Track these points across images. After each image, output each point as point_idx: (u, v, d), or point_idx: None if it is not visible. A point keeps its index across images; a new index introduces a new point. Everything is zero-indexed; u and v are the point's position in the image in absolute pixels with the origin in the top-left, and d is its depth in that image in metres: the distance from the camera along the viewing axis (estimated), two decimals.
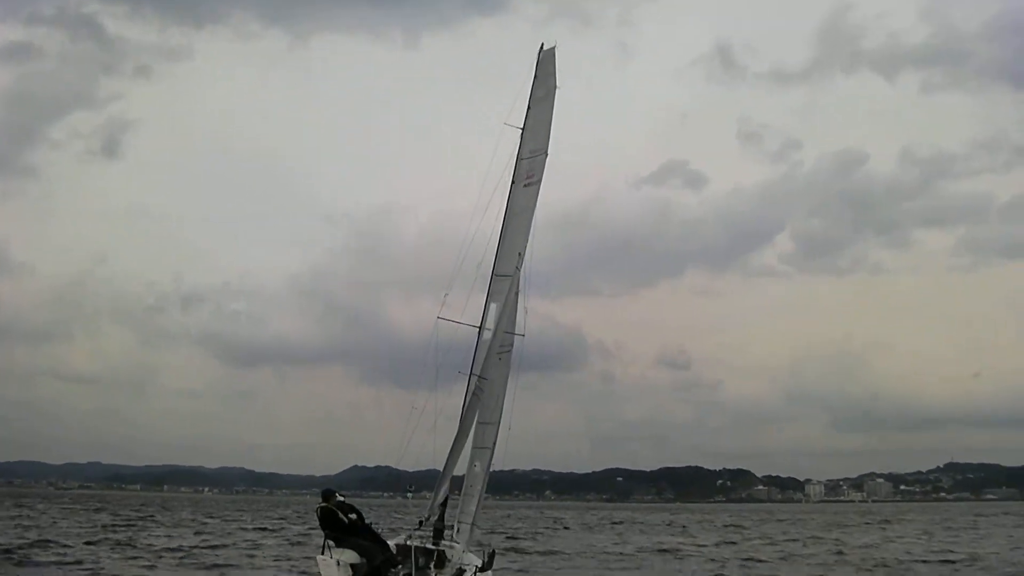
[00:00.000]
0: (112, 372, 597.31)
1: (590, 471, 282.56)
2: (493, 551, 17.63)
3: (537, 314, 17.44)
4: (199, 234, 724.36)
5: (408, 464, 17.88)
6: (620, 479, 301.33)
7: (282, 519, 61.39)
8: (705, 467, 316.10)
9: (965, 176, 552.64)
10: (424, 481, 18.45)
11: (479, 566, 15.77)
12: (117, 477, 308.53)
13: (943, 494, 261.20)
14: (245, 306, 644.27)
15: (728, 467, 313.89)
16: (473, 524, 18.02)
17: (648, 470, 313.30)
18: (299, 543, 33.98)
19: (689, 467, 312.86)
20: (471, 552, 17.35)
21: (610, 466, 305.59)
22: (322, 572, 14.70)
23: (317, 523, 16.02)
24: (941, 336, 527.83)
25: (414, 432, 16.80)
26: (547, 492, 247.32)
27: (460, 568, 16.23)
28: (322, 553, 15.16)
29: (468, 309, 17.24)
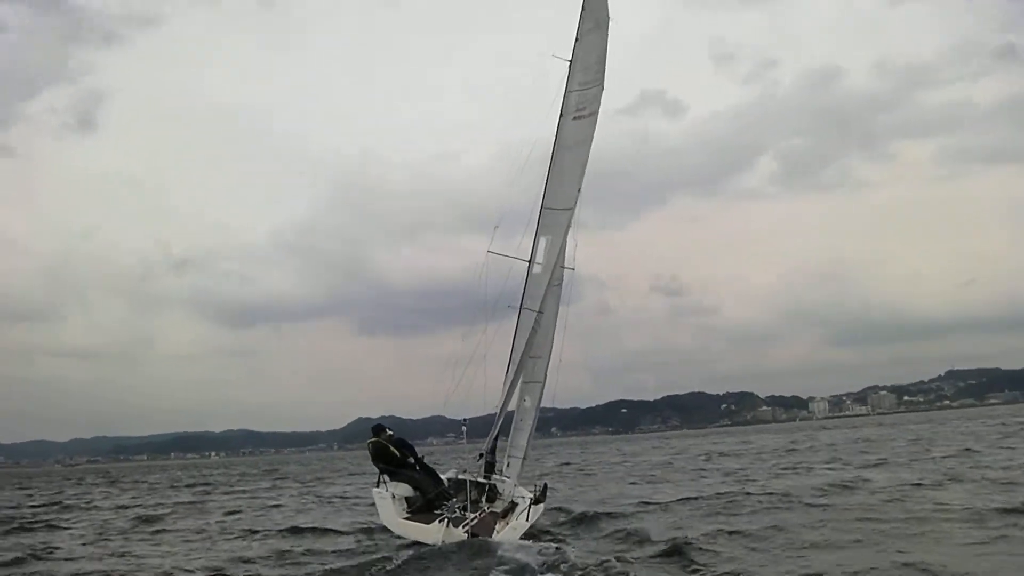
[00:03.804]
0: (109, 344, 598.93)
1: (594, 404, 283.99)
2: (545, 484, 17.69)
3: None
4: (183, 198, 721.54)
5: (453, 411, 17.90)
6: (624, 411, 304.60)
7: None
8: (708, 392, 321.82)
9: (941, 85, 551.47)
10: (477, 428, 18.27)
11: (533, 499, 15.88)
12: (123, 449, 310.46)
13: (947, 402, 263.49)
14: (235, 266, 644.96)
15: (731, 391, 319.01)
16: (524, 458, 18.26)
17: (651, 399, 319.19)
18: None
19: (692, 393, 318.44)
20: (522, 486, 17.57)
21: (613, 398, 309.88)
22: (377, 505, 14.85)
23: (370, 459, 16.13)
24: (930, 246, 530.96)
25: (462, 375, 16.73)
26: (552, 429, 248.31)
27: (512, 501, 16.43)
28: (377, 486, 15.29)
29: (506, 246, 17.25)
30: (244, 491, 37.95)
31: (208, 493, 37.59)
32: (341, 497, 29.50)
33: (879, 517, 14.50)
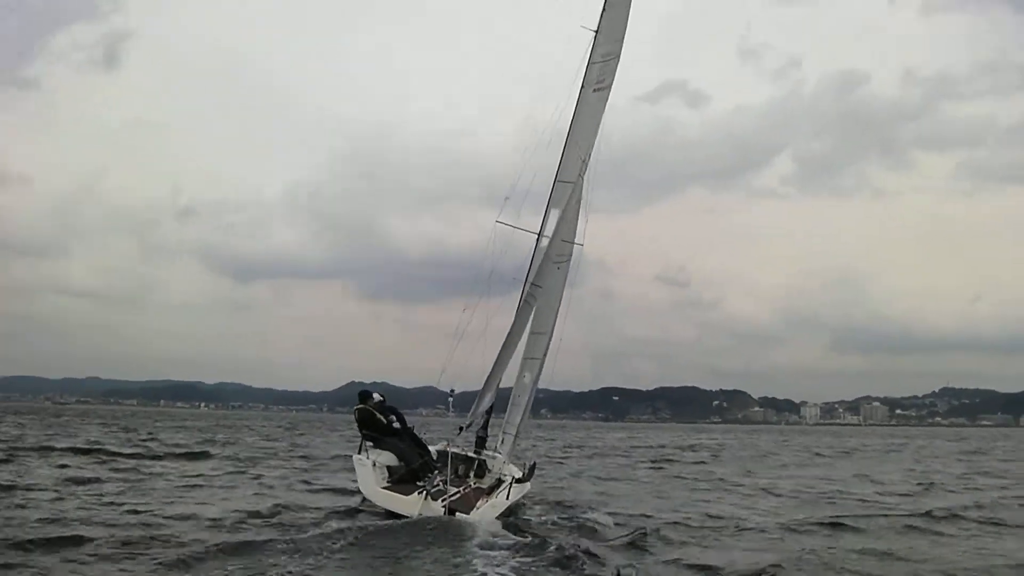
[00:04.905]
0: (110, 287, 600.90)
1: (587, 389, 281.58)
2: (534, 463, 17.49)
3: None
4: (199, 147, 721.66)
5: (448, 383, 17.45)
6: (616, 398, 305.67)
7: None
8: (702, 387, 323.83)
9: (967, 98, 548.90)
10: (469, 402, 17.96)
11: (518, 478, 15.56)
12: (115, 392, 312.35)
13: (938, 419, 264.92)
14: (243, 219, 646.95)
15: (724, 387, 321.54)
16: (517, 435, 17.89)
17: (645, 389, 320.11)
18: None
19: (686, 387, 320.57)
20: (512, 464, 17.29)
21: (607, 384, 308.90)
22: (357, 472, 14.53)
23: (355, 425, 15.77)
24: (941, 260, 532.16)
25: (458, 346, 16.45)
26: (543, 411, 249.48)
27: (499, 479, 16.13)
28: (359, 453, 15.01)
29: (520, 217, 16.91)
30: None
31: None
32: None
33: None
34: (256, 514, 13.83)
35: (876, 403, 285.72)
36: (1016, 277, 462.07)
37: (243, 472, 22.48)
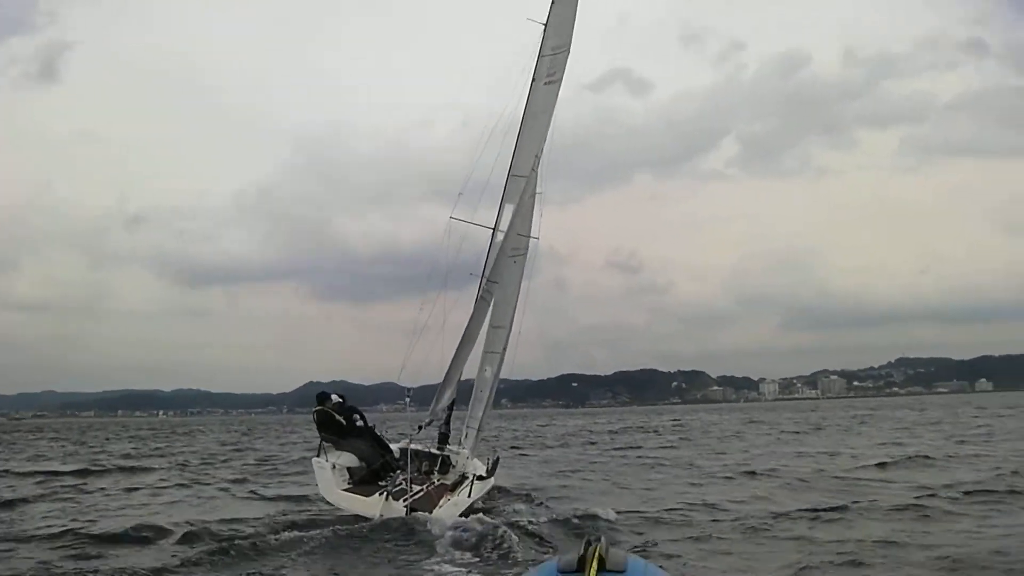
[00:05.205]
0: (62, 298, 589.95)
1: (545, 377, 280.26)
2: (497, 458, 17.39)
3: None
4: (146, 155, 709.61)
5: (407, 379, 17.35)
6: (575, 384, 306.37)
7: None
8: (660, 369, 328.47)
9: (908, 75, 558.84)
10: (428, 396, 17.84)
11: (480, 474, 15.49)
12: (72, 404, 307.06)
13: (895, 389, 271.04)
14: (194, 225, 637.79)
15: (683, 369, 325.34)
16: (479, 430, 17.87)
17: (603, 374, 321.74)
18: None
19: (644, 370, 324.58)
20: (476, 459, 17.24)
21: (566, 372, 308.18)
22: (316, 475, 14.27)
23: (315, 428, 15.54)
24: (887, 235, 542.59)
25: (417, 342, 16.35)
26: (503, 401, 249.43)
27: (463, 475, 16.07)
28: (318, 455, 14.71)
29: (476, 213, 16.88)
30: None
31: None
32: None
33: None
34: (204, 527, 13.06)
35: (833, 376, 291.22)
36: (962, 248, 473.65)
37: (187, 486, 21.17)
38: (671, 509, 14.63)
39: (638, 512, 14.13)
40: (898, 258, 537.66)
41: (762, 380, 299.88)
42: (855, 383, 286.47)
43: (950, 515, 12.97)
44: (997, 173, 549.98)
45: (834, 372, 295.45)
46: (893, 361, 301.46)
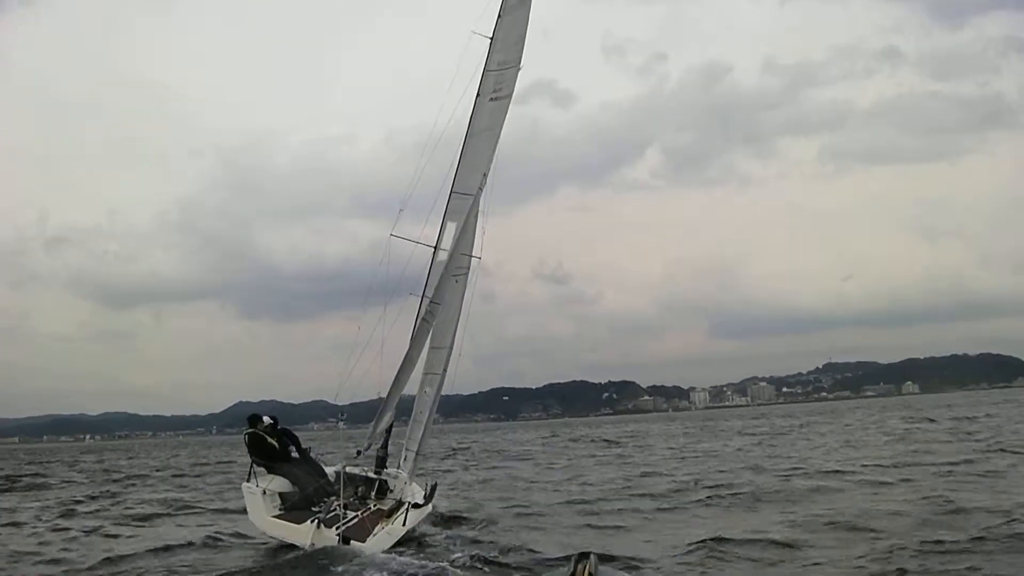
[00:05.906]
0: None
1: (475, 392, 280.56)
2: (435, 483, 17.02)
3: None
4: (63, 172, 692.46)
5: (344, 397, 17.08)
6: (506, 398, 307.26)
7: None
8: (590, 380, 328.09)
9: (826, 84, 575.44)
10: (362, 414, 17.46)
11: (416, 502, 15.03)
12: None
13: (824, 393, 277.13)
14: (116, 245, 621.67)
15: (613, 379, 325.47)
16: (418, 452, 17.41)
17: (534, 387, 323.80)
18: None
19: (574, 382, 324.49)
20: (415, 483, 16.77)
21: (496, 385, 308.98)
22: (247, 501, 13.83)
23: (247, 451, 14.96)
24: (811, 242, 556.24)
25: (357, 360, 15.91)
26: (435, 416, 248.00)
27: (400, 500, 15.56)
28: (248, 480, 14.19)
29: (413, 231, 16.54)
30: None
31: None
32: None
33: None
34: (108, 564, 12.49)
35: (763, 383, 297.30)
36: (883, 253, 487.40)
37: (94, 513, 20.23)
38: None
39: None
40: (822, 265, 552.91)
41: (692, 389, 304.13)
42: (784, 389, 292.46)
43: None
44: (914, 179, 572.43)
45: (763, 379, 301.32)
46: (821, 366, 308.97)
